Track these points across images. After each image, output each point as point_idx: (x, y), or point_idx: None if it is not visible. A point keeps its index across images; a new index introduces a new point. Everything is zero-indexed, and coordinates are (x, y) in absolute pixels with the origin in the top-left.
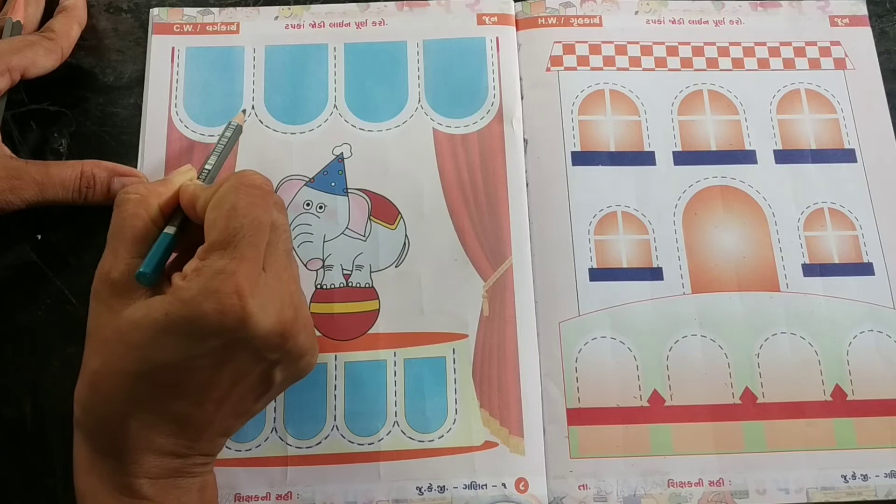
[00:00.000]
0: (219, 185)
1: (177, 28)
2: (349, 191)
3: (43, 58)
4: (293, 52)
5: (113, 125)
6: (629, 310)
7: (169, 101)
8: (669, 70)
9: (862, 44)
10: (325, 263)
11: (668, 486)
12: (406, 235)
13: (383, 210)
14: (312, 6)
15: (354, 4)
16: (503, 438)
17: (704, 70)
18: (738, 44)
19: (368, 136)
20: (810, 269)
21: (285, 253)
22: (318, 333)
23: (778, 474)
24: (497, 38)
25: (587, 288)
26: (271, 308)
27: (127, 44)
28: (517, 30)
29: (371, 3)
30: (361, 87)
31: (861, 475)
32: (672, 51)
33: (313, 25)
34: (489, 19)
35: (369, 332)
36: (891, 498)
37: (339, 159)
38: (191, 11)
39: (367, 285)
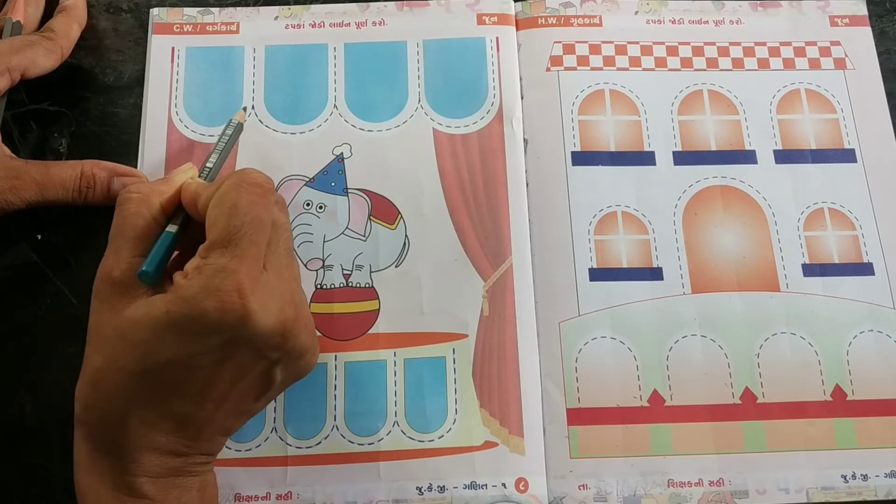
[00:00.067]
0: (220, 184)
1: (177, 28)
2: (349, 191)
3: (43, 58)
4: (293, 52)
5: (113, 125)
6: (629, 310)
7: (169, 101)
8: (669, 70)
9: (862, 44)
10: (325, 263)
11: (668, 486)
12: (406, 235)
13: (383, 210)
14: (312, 6)
15: (354, 4)
16: (503, 438)
17: (704, 70)
18: (738, 44)
19: (368, 136)
20: (810, 269)
21: (286, 252)
22: (318, 333)
23: (778, 474)
24: (497, 38)
25: (587, 288)
26: (272, 306)
27: (127, 44)
28: (517, 30)
29: (371, 3)
30: (361, 87)
31: (861, 475)
32: (672, 51)
33: (313, 25)
34: (489, 19)
35: (369, 332)
36: (891, 498)
37: (339, 159)
38: (191, 11)
39: (367, 285)
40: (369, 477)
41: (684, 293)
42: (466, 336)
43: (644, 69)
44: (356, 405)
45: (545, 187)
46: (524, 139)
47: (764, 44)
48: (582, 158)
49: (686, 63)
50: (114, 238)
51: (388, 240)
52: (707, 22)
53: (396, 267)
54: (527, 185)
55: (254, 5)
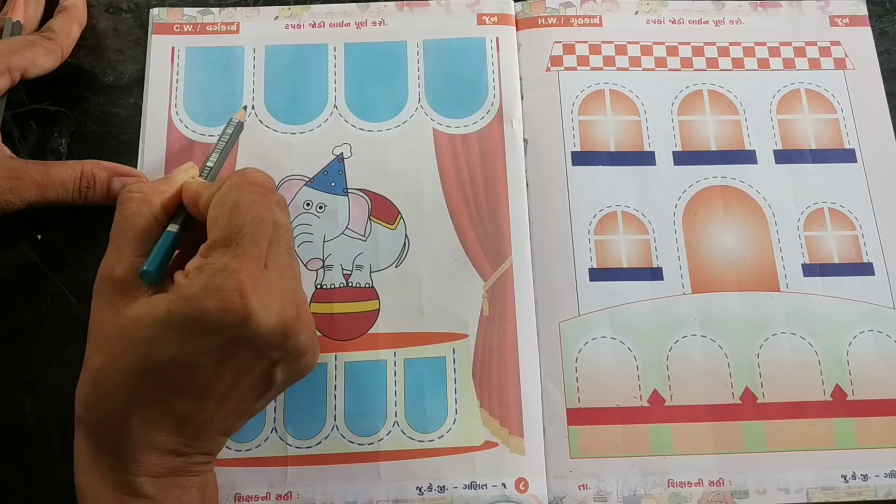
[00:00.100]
0: (221, 183)
1: (177, 28)
2: (349, 191)
3: (43, 58)
4: (293, 52)
5: (113, 125)
6: (629, 310)
7: (169, 101)
8: (669, 70)
9: (862, 44)
10: (325, 263)
11: (668, 486)
12: (406, 235)
13: (383, 210)
14: (312, 6)
15: (354, 4)
16: (503, 438)
17: (704, 70)
18: (738, 44)
19: (368, 136)
20: (810, 269)
21: (287, 251)
22: (318, 333)
23: (778, 474)
24: (497, 38)
25: (587, 288)
26: (273, 306)
27: (127, 44)
28: (517, 30)
29: (371, 3)
30: (361, 87)
31: (861, 475)
32: (672, 51)
33: (313, 25)
34: (489, 19)
35: (369, 332)
36: (891, 498)
37: (339, 159)
38: (191, 11)
39: (367, 285)
40: (369, 477)
41: (684, 293)
42: (466, 336)
43: (644, 69)
44: (356, 405)
45: (545, 187)
46: (524, 139)
47: (764, 44)
48: (582, 158)
49: (686, 63)
50: (115, 237)
51: (388, 240)
52: (707, 22)
53: (396, 267)
54: (527, 185)
55: (254, 5)
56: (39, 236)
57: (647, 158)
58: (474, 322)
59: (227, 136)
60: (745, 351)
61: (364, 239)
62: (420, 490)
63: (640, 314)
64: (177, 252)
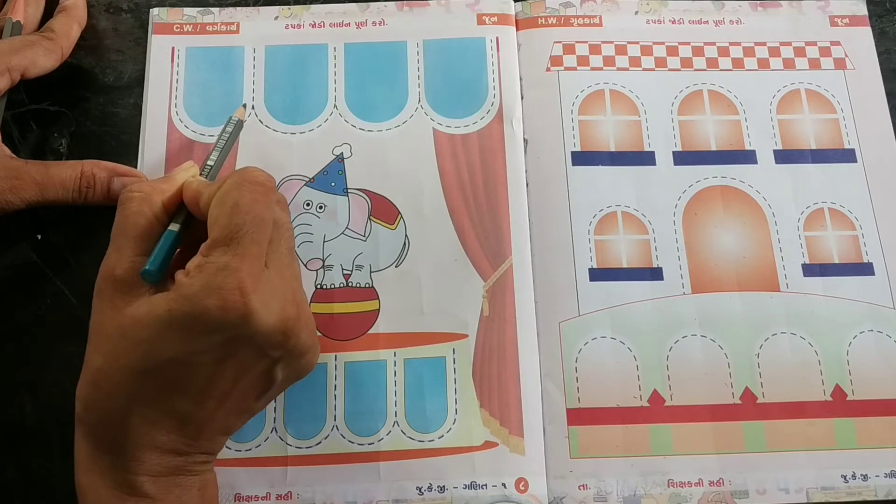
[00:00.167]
0: (222, 182)
1: (177, 28)
2: (349, 191)
3: (43, 58)
4: (293, 52)
5: (113, 125)
6: (629, 310)
7: (169, 101)
8: (669, 70)
9: (862, 44)
10: (325, 263)
11: (668, 486)
12: (406, 235)
13: (383, 210)
14: (312, 6)
15: (354, 4)
16: (503, 438)
17: (704, 70)
18: (738, 44)
19: (368, 136)
20: (810, 269)
21: (288, 251)
22: (318, 333)
23: (778, 474)
24: (497, 38)
25: (587, 288)
26: (274, 305)
27: (127, 44)
28: (517, 30)
29: (371, 3)
30: (361, 87)
31: (861, 475)
32: (672, 51)
33: (313, 25)
34: (489, 19)
35: (369, 332)
36: (891, 498)
37: (339, 159)
38: (191, 11)
39: (367, 285)
40: (369, 477)
41: (684, 293)
42: (466, 336)
43: (644, 69)
44: (356, 405)
45: (545, 187)
46: (524, 139)
47: (764, 44)
48: (582, 158)
49: (686, 63)
50: (116, 237)
51: (388, 240)
52: (707, 22)
53: (396, 267)
54: (527, 185)
55: (254, 5)
56: (39, 236)
57: (647, 158)
58: (474, 322)
59: (228, 135)
60: (745, 351)
61: (364, 239)
62: (420, 490)
63: (640, 314)
64: (177, 251)
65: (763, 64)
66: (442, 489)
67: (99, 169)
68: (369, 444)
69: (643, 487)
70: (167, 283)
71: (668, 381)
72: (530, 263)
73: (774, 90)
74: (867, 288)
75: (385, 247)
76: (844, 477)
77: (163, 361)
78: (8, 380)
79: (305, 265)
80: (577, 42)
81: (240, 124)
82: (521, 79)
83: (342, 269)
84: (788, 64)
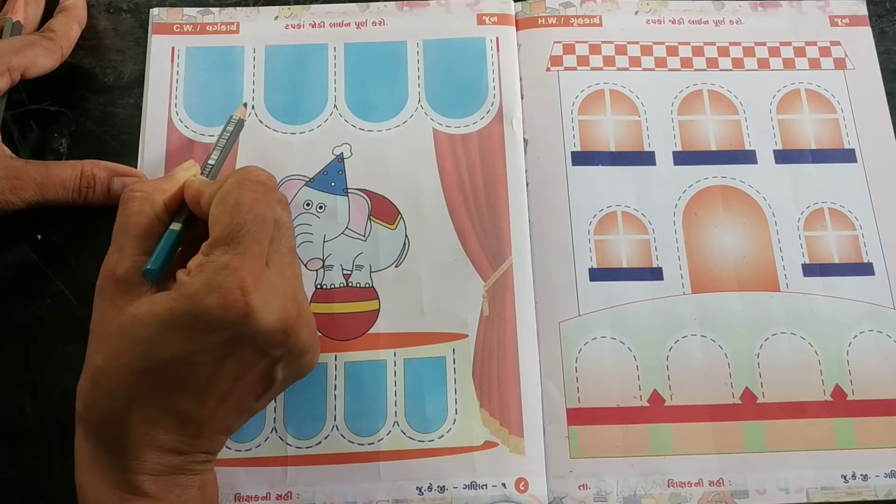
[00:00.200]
0: (223, 181)
1: (177, 28)
2: (349, 191)
3: (43, 58)
4: (293, 52)
5: (113, 125)
6: (629, 310)
7: (169, 101)
8: (669, 70)
9: (862, 44)
10: (325, 263)
11: (668, 486)
12: (406, 235)
13: (383, 210)
14: (312, 6)
15: (354, 4)
16: (503, 438)
17: (704, 70)
18: (738, 44)
19: (368, 136)
20: (810, 269)
21: (288, 250)
22: (318, 333)
23: (778, 474)
24: (497, 38)
25: (587, 288)
26: (275, 304)
27: (127, 44)
28: (517, 30)
29: (371, 3)
30: (361, 87)
31: (861, 475)
32: (672, 51)
33: (313, 25)
34: (489, 19)
35: (369, 332)
36: (891, 498)
37: (339, 159)
38: (191, 11)
39: (367, 285)
40: (369, 477)
41: (684, 293)
42: (466, 336)
43: (644, 69)
44: (356, 405)
45: (545, 187)
46: (524, 139)
47: (764, 44)
48: (582, 158)
49: (686, 63)
50: (117, 236)
51: (388, 240)
52: (707, 22)
53: (396, 267)
54: (527, 185)
55: (254, 5)
56: (39, 236)
57: (647, 158)
58: (474, 322)
59: (228, 134)
60: (745, 351)
61: (364, 239)
62: (420, 490)
63: (640, 314)
64: (179, 250)
65: (763, 64)
66: (442, 489)
67: (99, 169)
68: (369, 444)
69: (643, 487)
70: (169, 282)
71: (668, 381)
72: (530, 263)
73: (774, 90)
74: (867, 288)
75: (385, 247)
76: (844, 477)
77: (163, 360)
78: (8, 380)
79: (305, 265)
80: (577, 42)
81: (240, 123)
82: (521, 79)
83: (342, 269)
84: (788, 64)
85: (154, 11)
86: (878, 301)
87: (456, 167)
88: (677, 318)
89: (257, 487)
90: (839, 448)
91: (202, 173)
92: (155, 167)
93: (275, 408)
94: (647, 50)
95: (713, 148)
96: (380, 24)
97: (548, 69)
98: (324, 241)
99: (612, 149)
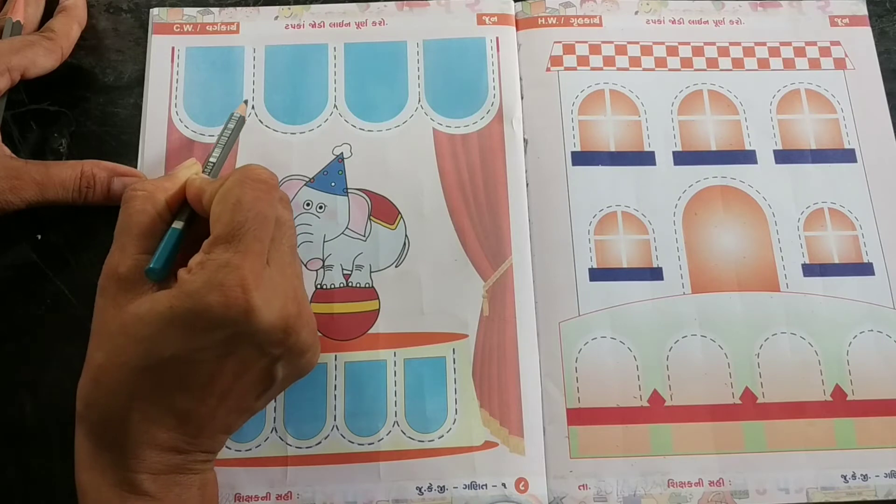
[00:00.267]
0: (224, 179)
1: (177, 28)
2: (349, 191)
3: (43, 58)
4: (293, 52)
5: (113, 125)
6: (629, 310)
7: (169, 101)
8: (669, 70)
9: (862, 44)
10: (325, 263)
11: (668, 486)
12: (406, 235)
13: (383, 210)
14: (312, 6)
15: (354, 4)
16: (503, 438)
17: (704, 70)
18: (738, 44)
19: (368, 136)
20: (810, 269)
21: (289, 249)
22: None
23: (778, 474)
24: (497, 38)
25: (587, 288)
26: (275, 302)
27: (127, 44)
28: (517, 30)
29: (371, 3)
30: (361, 87)
31: (861, 475)
32: (672, 51)
33: (313, 25)
34: (489, 19)
35: (369, 332)
36: (891, 498)
37: (339, 159)
38: (191, 11)
39: (367, 285)
40: (369, 477)
41: (684, 293)
42: (466, 336)
43: (644, 69)
44: (356, 405)
45: (545, 187)
46: (524, 139)
47: (764, 44)
48: (582, 158)
49: (686, 63)
50: (119, 235)
51: (388, 240)
52: (707, 22)
53: (396, 267)
54: (527, 185)
55: (254, 5)
56: (39, 236)
57: (647, 158)
58: (474, 322)
59: (230, 132)
60: (745, 351)
61: (364, 239)
62: (420, 490)
63: (640, 314)
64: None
65: (763, 64)
66: (442, 489)
67: (99, 169)
68: (369, 444)
69: (643, 487)
70: (170, 280)
71: (668, 381)
72: (530, 263)
73: (774, 90)
74: (867, 288)
75: (385, 247)
76: (844, 477)
77: (164, 358)
78: (8, 380)
79: (305, 265)
80: (577, 42)
81: (241, 120)
82: (521, 79)
83: (342, 269)
84: (788, 64)
85: (154, 11)
86: (878, 301)
87: (456, 167)
88: (677, 318)
89: (257, 487)
90: (839, 448)
91: (203, 171)
92: (155, 167)
93: (275, 408)
94: (647, 50)
95: (713, 148)
96: (380, 24)
97: (548, 69)
98: (324, 241)
99: (612, 149)
